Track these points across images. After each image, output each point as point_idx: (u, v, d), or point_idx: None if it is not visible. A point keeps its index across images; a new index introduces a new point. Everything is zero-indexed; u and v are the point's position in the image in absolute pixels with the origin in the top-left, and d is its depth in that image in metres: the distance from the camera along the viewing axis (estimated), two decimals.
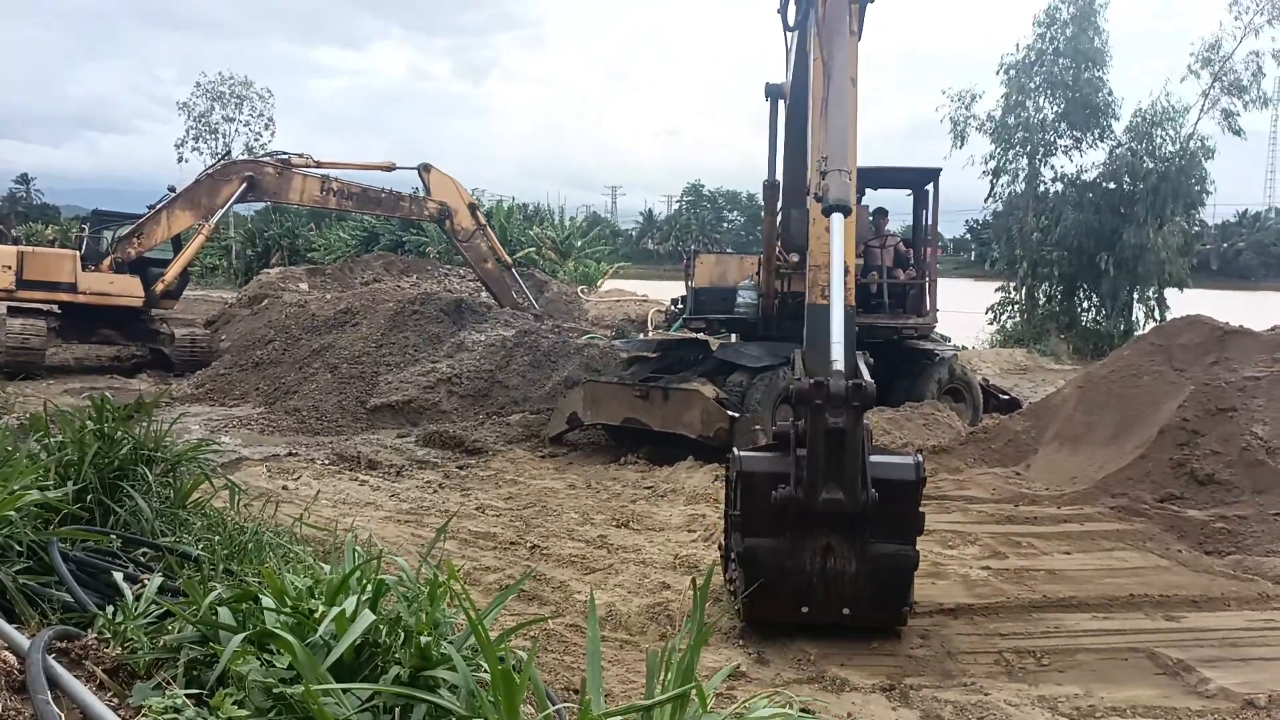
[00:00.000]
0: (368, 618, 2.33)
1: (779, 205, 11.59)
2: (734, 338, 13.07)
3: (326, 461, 11.40)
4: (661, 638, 5.72)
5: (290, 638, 2.21)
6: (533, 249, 38.35)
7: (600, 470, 11.32)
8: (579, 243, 42.59)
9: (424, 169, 19.88)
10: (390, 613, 2.53)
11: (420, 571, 3.21)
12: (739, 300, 12.28)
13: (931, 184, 12.90)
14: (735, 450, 6.14)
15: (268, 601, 2.52)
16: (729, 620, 6.03)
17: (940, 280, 13.42)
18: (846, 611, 5.75)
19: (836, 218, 6.00)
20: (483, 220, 20.42)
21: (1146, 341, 10.84)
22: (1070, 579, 7.02)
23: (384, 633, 2.49)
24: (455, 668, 2.21)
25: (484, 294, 21.00)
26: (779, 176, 11.49)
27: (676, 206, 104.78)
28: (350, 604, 2.42)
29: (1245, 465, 8.52)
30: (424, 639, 2.32)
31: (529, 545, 7.92)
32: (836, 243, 5.98)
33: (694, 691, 2.23)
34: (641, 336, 16.13)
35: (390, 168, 20.04)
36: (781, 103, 11.04)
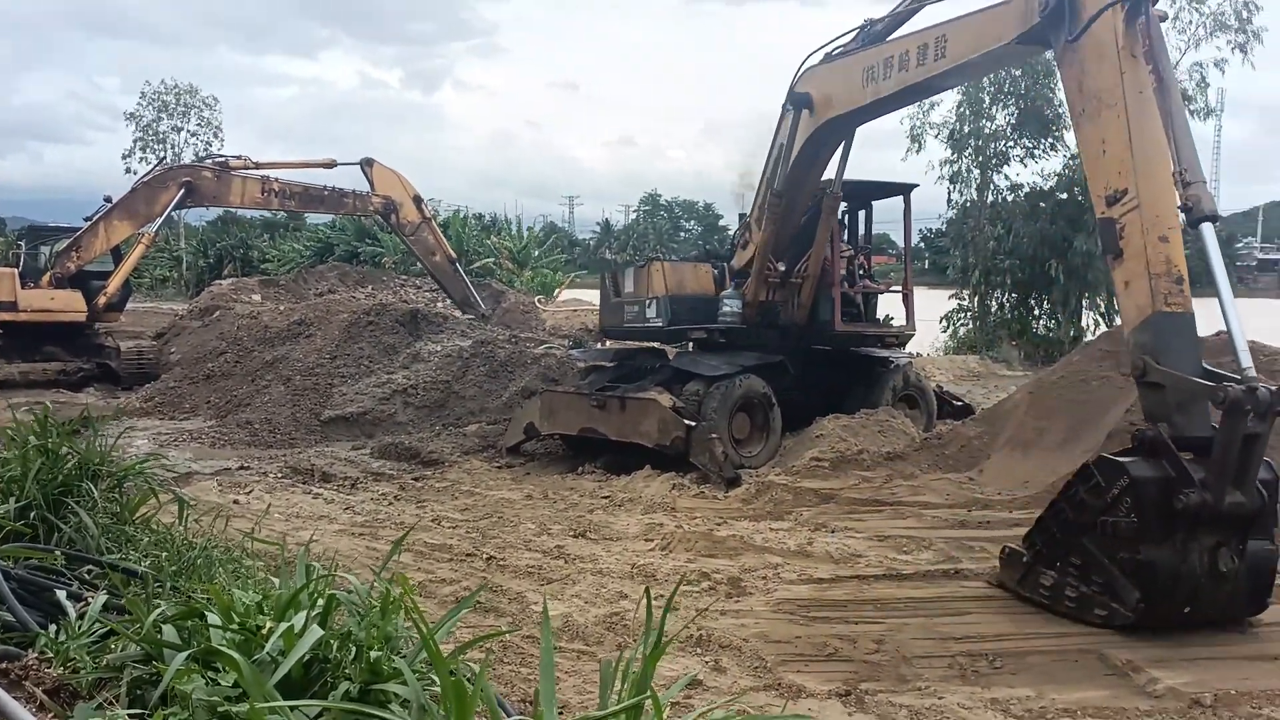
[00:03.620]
0: (316, 633, 2.30)
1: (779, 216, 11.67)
2: (690, 346, 13.11)
3: (279, 475, 11.27)
4: (619, 648, 5.71)
5: (235, 655, 2.17)
6: (490, 259, 38.21)
7: (557, 480, 11.29)
8: (536, 252, 42.52)
9: (366, 164, 19.68)
10: (341, 628, 2.50)
11: (374, 585, 3.18)
12: (724, 309, 12.31)
13: (899, 198, 13.27)
14: (1105, 456, 6.42)
15: (214, 618, 2.48)
16: (687, 629, 6.03)
17: (896, 287, 13.71)
18: (1225, 609, 6.19)
19: (1208, 227, 6.45)
20: (428, 213, 20.24)
21: (1095, 348, 11.05)
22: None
23: (335, 648, 2.46)
24: (407, 682, 2.19)
25: (440, 304, 20.87)
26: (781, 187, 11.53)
27: (634, 216, 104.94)
28: (300, 620, 2.39)
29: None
30: (374, 654, 2.30)
31: (485, 557, 7.88)
32: (1214, 248, 6.40)
33: (649, 702, 2.23)
34: (599, 346, 16.08)
35: (331, 164, 19.84)
36: (806, 113, 11.00)
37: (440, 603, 6.53)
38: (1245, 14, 25.21)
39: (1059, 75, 7.54)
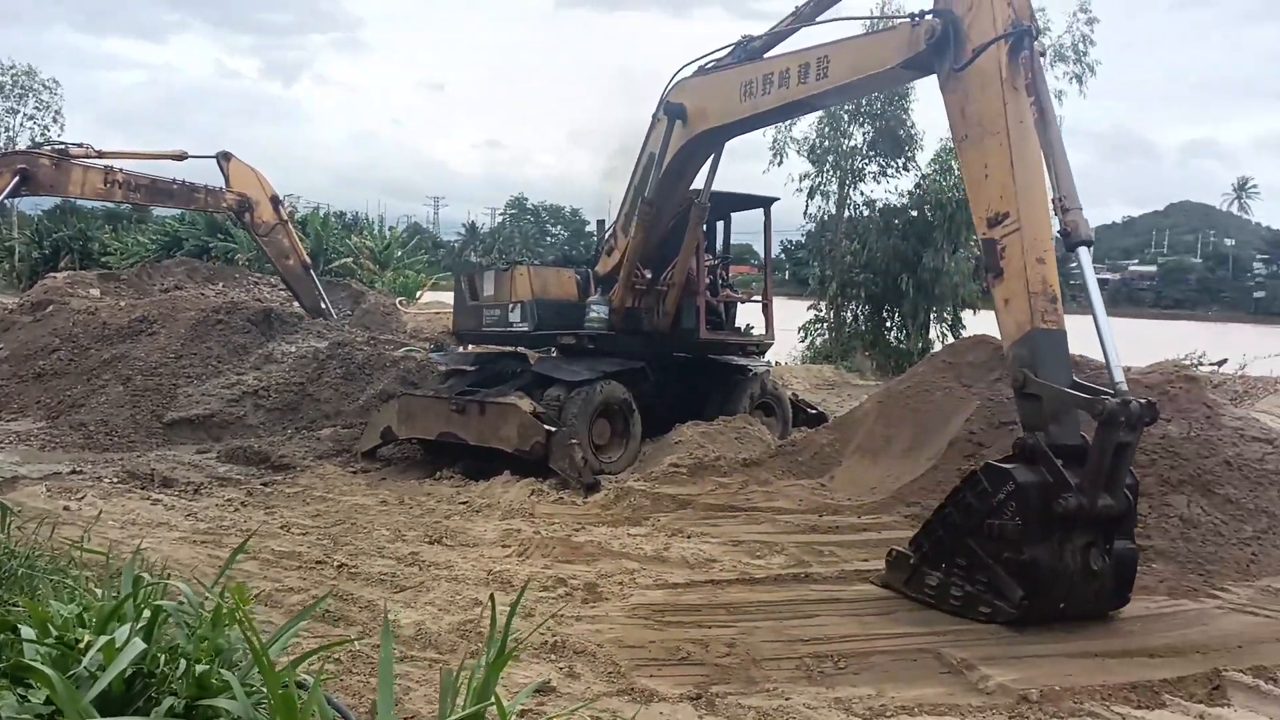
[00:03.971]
0: (138, 646, 2.19)
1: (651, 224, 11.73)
2: (554, 352, 13.09)
3: (116, 480, 10.70)
4: (472, 655, 5.64)
5: (48, 670, 2.04)
6: (350, 258, 37.23)
7: (414, 485, 11.09)
8: (399, 253, 41.65)
9: (223, 157, 18.88)
10: (168, 640, 2.39)
11: (207, 596, 3.05)
12: (591, 314, 12.31)
13: (756, 210, 13.62)
14: (992, 463, 6.85)
15: (28, 632, 2.33)
16: (541, 635, 6.01)
17: (757, 297, 14.07)
18: (1093, 604, 6.68)
19: (1084, 251, 6.94)
20: (285, 215, 19.55)
21: (939, 359, 11.55)
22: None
23: (162, 662, 2.35)
24: (236, 697, 2.10)
25: (296, 304, 20.19)
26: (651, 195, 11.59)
27: (500, 219, 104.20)
28: (123, 633, 2.27)
29: None
30: (201, 667, 2.20)
31: (336, 564, 7.66)
32: (1090, 271, 6.89)
33: (494, 709, 2.21)
34: (460, 350, 15.86)
35: (181, 156, 18.98)
36: (680, 123, 11.06)
37: (287, 612, 6.31)
38: (1081, 47, 26.86)
39: (942, 100, 7.86)
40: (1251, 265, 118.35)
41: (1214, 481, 8.71)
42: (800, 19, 10.49)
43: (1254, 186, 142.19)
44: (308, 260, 19.79)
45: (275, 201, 19.16)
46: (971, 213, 7.58)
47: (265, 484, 10.91)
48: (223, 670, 2.24)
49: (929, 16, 7.77)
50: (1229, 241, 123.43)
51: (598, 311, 12.28)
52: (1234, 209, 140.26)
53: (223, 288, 25.19)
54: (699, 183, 11.94)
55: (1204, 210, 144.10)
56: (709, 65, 10.94)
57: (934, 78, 8.02)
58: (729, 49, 10.74)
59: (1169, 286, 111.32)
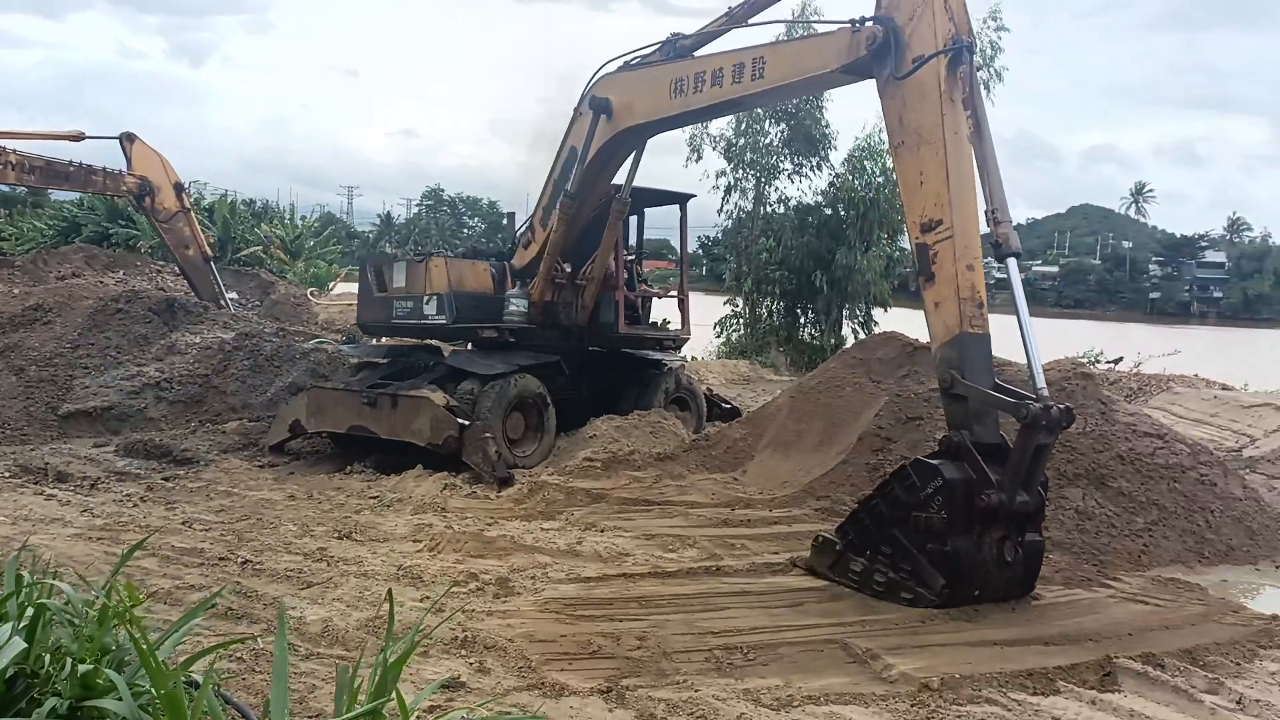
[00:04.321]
0: (18, 645, 2.10)
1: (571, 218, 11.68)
2: (469, 345, 12.96)
3: (7, 474, 10.28)
4: (381, 652, 5.56)
5: None
6: (259, 247, 36.35)
7: (324, 480, 10.88)
8: (311, 243, 40.83)
9: (126, 139, 18.21)
10: (54, 640, 2.30)
11: (106, 593, 2.94)
12: (510, 308, 12.20)
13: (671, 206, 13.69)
14: (921, 459, 7.09)
15: None
16: (452, 631, 5.95)
17: (674, 292, 14.15)
18: (1005, 591, 7.00)
19: (1013, 261, 7.24)
20: (188, 204, 18.98)
21: (849, 355, 11.77)
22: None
23: (46, 662, 2.26)
24: (122, 697, 2.04)
25: (223, 301, 19.63)
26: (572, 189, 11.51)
27: (416, 210, 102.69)
28: (3, 632, 2.18)
29: None
30: (86, 667, 2.12)
31: (240, 561, 7.47)
32: (1018, 281, 7.22)
33: (395, 705, 2.18)
34: (372, 342, 15.60)
35: (78, 137, 18.25)
36: (604, 118, 10.99)
37: (187, 610, 6.13)
38: (989, 53, 27.56)
39: (880, 105, 8.06)
40: (1148, 267, 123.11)
41: (1108, 475, 9.05)
42: (733, 20, 10.61)
43: (1151, 191, 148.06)
44: (208, 252, 19.23)
45: (179, 188, 18.58)
46: (905, 216, 7.78)
47: (167, 479, 10.58)
48: (108, 670, 2.16)
49: (870, 23, 7.93)
50: (1127, 244, 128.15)
51: (517, 305, 12.20)
52: (1132, 212, 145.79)
53: (123, 276, 24.35)
54: (619, 178, 11.96)
55: (1103, 213, 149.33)
56: (634, 61, 10.95)
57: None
58: (656, 46, 10.78)
59: (1069, 286, 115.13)
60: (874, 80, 8.08)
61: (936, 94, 7.43)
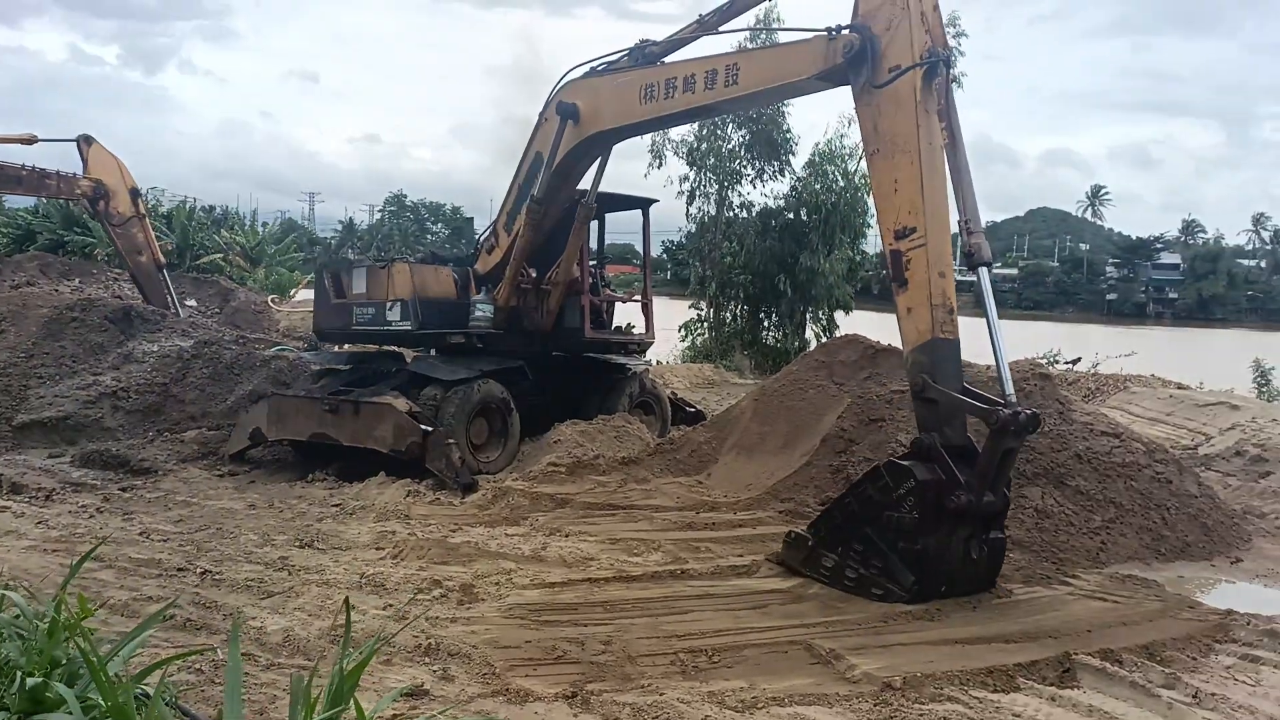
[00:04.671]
0: None
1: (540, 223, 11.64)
2: (432, 352, 12.87)
3: None
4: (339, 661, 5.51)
5: None
6: (219, 255, 35.91)
7: (285, 488, 10.76)
8: (272, 249, 40.41)
9: (84, 140, 17.87)
10: (3, 654, 2.26)
11: (56, 605, 2.89)
12: (476, 313, 12.13)
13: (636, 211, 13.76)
14: (894, 461, 7.33)
15: None
16: (413, 638, 5.91)
17: (638, 297, 14.19)
18: (969, 586, 7.22)
19: (984, 270, 7.34)
20: (144, 210, 18.64)
21: (812, 358, 11.82)
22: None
23: None
24: (72, 711, 2.00)
25: (174, 310, 19.33)
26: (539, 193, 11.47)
27: (378, 216, 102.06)
28: None
29: None
30: (35, 680, 2.08)
31: (199, 571, 7.38)
32: (989, 289, 7.32)
33: (354, 714, 2.16)
34: (334, 349, 15.45)
35: (31, 140, 17.92)
36: (571, 123, 10.95)
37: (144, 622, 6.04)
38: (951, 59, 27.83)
39: (855, 112, 8.20)
40: (1104, 269, 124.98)
41: (1066, 474, 9.16)
42: (704, 27, 10.69)
43: (1106, 194, 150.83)
44: (161, 259, 18.90)
45: (134, 193, 18.27)
46: (878, 222, 7.89)
47: (124, 489, 10.42)
48: (57, 684, 2.12)
49: (846, 31, 8.05)
50: (1084, 246, 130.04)
51: (483, 310, 12.15)
52: (1088, 215, 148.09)
53: (79, 284, 23.97)
54: (584, 183, 11.97)
55: (1061, 216, 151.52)
56: (601, 67, 10.97)
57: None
58: (624, 53, 10.81)
59: (1028, 288, 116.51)
60: (849, 87, 8.21)
61: (912, 104, 7.57)
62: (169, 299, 18.32)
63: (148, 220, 18.90)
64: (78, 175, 17.91)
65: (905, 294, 7.51)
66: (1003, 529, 7.41)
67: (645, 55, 10.57)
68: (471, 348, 12.10)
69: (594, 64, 11.05)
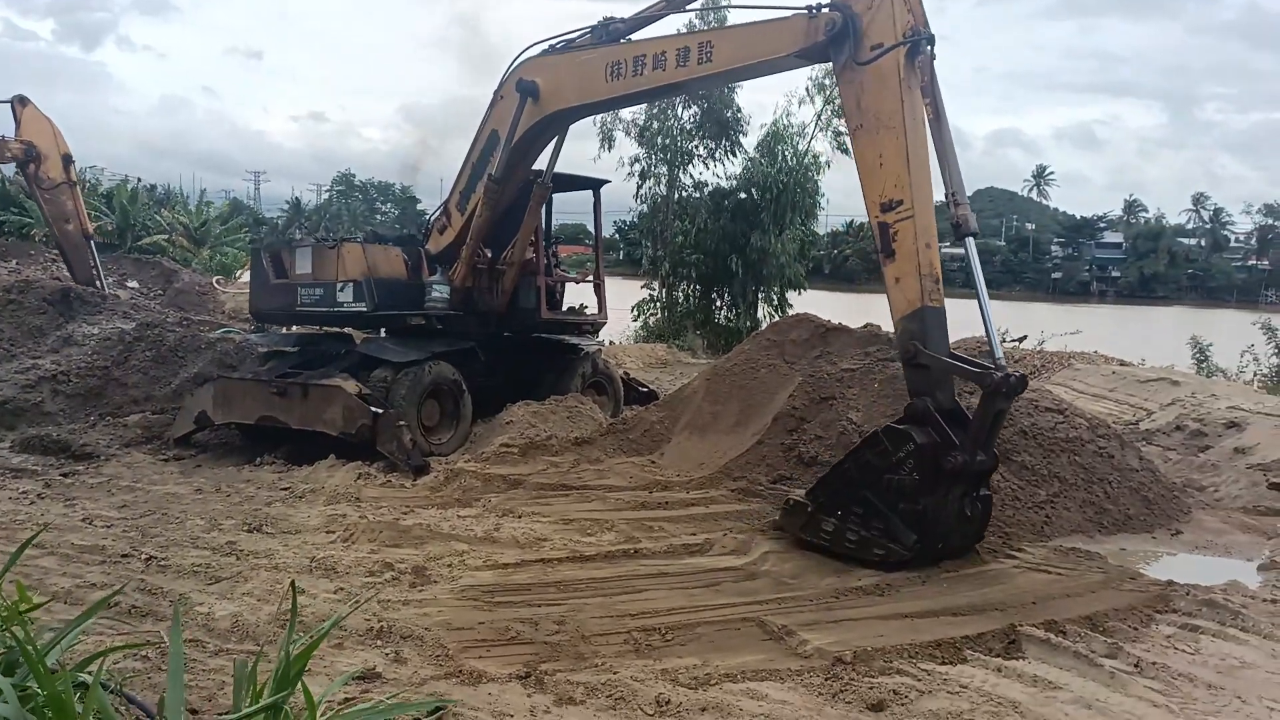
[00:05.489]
0: None
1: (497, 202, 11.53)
2: (382, 333, 12.72)
3: None
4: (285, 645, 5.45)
5: None
6: (162, 235, 35.18)
7: (232, 472, 10.60)
8: (218, 230, 39.68)
9: (19, 101, 17.25)
10: None
11: None
12: (433, 294, 11.98)
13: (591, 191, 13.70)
14: (891, 426, 7.53)
15: None
16: (365, 621, 5.87)
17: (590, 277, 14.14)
18: (961, 543, 7.65)
19: (970, 241, 7.63)
20: (75, 177, 18.11)
21: (763, 337, 11.87)
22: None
23: None
24: (8, 700, 1.95)
25: (98, 281, 18.88)
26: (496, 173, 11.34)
27: (326, 196, 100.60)
28: None
29: (843, 448, 9.52)
30: None
31: (145, 557, 7.25)
32: (976, 259, 7.65)
33: (302, 700, 2.13)
34: (282, 331, 15.21)
35: None
36: (530, 101, 10.84)
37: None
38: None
39: (838, 88, 8.48)
40: (1050, 248, 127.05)
41: (1011, 450, 9.31)
42: (672, 5, 10.77)
43: (1051, 174, 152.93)
44: (90, 229, 18.37)
45: (67, 160, 17.69)
46: (864, 196, 8.05)
47: (65, 475, 10.20)
48: None
49: (826, 10, 8.18)
50: (1030, 226, 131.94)
51: (439, 291, 12.02)
52: (1034, 195, 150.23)
53: (16, 265, 23.36)
54: (540, 163, 11.89)
55: (1008, 196, 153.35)
56: (560, 45, 10.88)
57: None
58: (585, 31, 10.73)
59: (984, 270, 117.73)
60: (825, 64, 8.34)
61: (896, 81, 7.76)
62: (95, 271, 17.83)
63: (78, 189, 18.34)
64: (7, 137, 17.34)
65: (893, 264, 7.75)
66: (989, 486, 7.79)
67: (609, 33, 10.53)
68: (431, 329, 11.98)
69: (552, 41, 10.97)
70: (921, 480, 7.24)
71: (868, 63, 7.91)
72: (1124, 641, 6.01)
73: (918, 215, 7.65)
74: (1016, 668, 5.54)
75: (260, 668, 5.14)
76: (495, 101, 11.52)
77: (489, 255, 12.35)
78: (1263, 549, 8.70)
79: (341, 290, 11.95)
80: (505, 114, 11.22)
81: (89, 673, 2.35)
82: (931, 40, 7.81)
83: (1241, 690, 5.41)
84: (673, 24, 13.03)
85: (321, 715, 2.21)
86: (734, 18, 10.05)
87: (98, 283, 17.61)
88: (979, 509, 7.62)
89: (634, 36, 10.50)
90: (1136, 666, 5.62)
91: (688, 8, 10.62)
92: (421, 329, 11.98)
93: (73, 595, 6.38)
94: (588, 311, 13.78)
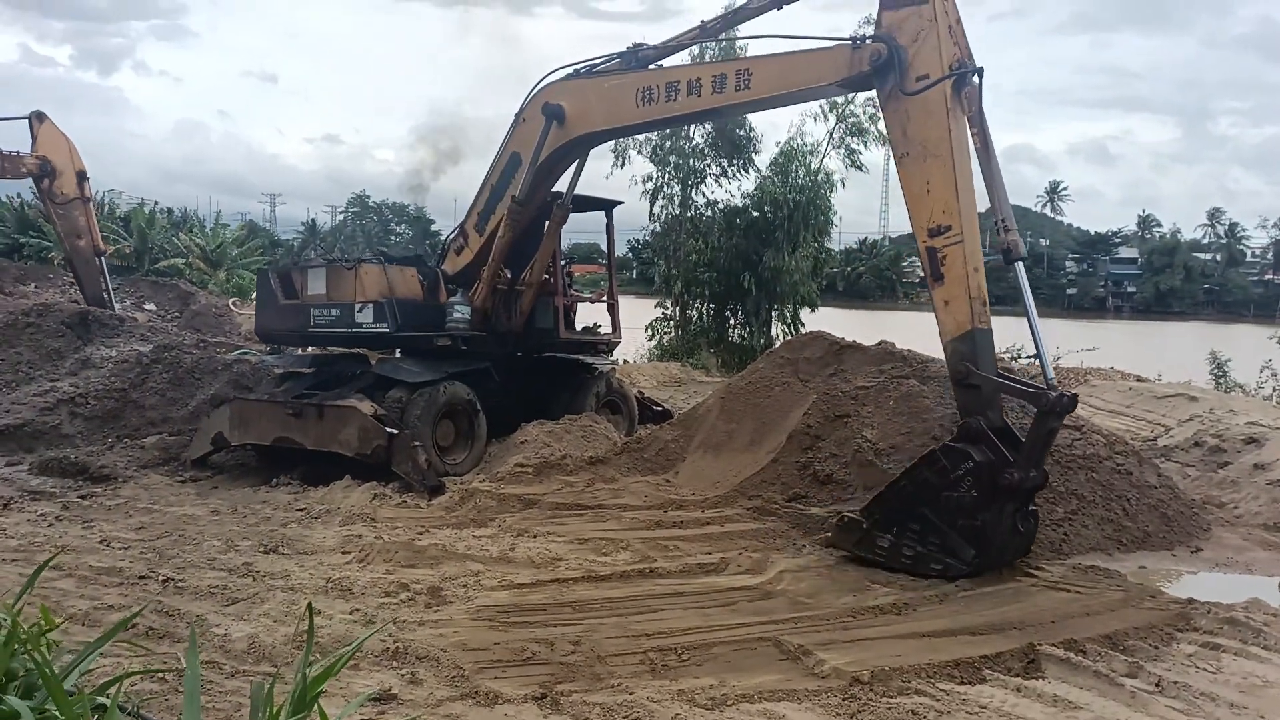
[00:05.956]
0: None
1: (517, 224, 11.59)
2: (398, 354, 12.75)
3: None
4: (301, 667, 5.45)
5: None
6: (180, 258, 35.49)
7: (249, 493, 10.65)
8: (234, 252, 40.00)
9: (36, 117, 17.40)
10: None
11: (13, 616, 2.83)
12: (455, 315, 12.03)
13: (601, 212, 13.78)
14: (949, 445, 7.76)
15: None
16: (381, 642, 5.87)
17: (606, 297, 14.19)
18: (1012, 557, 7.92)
19: (1020, 266, 8.01)
20: (89, 194, 18.23)
21: (777, 355, 11.85)
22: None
23: None
24: None
25: (119, 305, 19.03)
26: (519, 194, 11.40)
27: (341, 217, 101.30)
28: None
29: (858, 466, 9.54)
30: None
31: (162, 579, 7.27)
32: (1025, 282, 8.01)
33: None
34: (299, 352, 15.27)
35: None
36: (556, 124, 10.93)
37: (106, 632, 5.95)
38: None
39: (882, 116, 8.70)
40: (1064, 264, 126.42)
41: None
42: (706, 33, 11.07)
43: (1065, 189, 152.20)
44: (101, 246, 18.50)
45: (81, 176, 17.83)
46: (910, 221, 8.26)
47: (83, 496, 10.25)
48: (10, 698, 2.08)
49: (871, 41, 8.38)
50: (1044, 241, 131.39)
51: (461, 312, 12.06)
52: (1048, 211, 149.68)
53: (35, 288, 23.61)
54: (560, 185, 11.98)
55: (1021, 212, 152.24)
56: (584, 69, 10.99)
57: None
58: (613, 57, 10.90)
59: (991, 284, 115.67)
60: (877, 95, 8.64)
61: (943, 111, 7.98)
62: (105, 287, 17.93)
63: (91, 206, 18.47)
64: (23, 152, 17.48)
65: (942, 288, 7.99)
66: (1034, 502, 7.96)
67: (639, 59, 10.65)
68: (456, 350, 12.01)
69: (577, 66, 11.08)
70: (979, 497, 7.42)
71: (914, 94, 8.07)
72: (1145, 660, 5.95)
73: (966, 240, 7.87)
74: (1036, 688, 5.49)
75: (277, 689, 5.17)
76: (517, 124, 11.60)
77: (508, 276, 12.40)
78: None
79: (360, 311, 11.96)
80: (528, 136, 11.29)
81: (107, 696, 2.36)
82: (980, 73, 8.04)
83: (1265, 709, 5.35)
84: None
85: None
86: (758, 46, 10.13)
87: (106, 297, 17.70)
88: (1030, 524, 7.86)
89: (665, 62, 10.67)
90: (1158, 686, 5.56)
91: (721, 37, 10.78)
92: (439, 349, 12.00)
93: (90, 617, 6.39)
94: (602, 331, 13.80)
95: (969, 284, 7.83)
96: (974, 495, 7.44)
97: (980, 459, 7.43)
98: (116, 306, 17.86)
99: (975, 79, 8.08)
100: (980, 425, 7.56)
